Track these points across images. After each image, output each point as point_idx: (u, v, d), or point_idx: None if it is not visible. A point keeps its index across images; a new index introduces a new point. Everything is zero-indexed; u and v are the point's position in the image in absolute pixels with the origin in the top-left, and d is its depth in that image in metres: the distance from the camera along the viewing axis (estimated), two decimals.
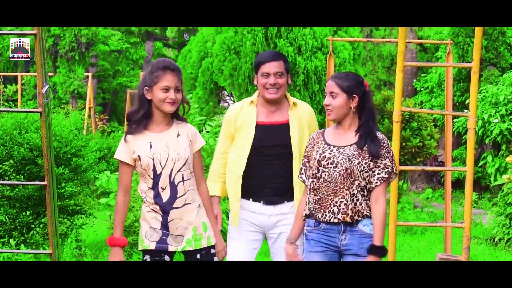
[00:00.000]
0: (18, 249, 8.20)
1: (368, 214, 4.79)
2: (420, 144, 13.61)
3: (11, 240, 8.26)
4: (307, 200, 4.91)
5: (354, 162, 4.75)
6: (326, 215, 4.78)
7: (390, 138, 13.55)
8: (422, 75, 19.05)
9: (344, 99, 4.84)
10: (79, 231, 9.27)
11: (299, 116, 5.36)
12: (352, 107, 4.87)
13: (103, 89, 29.62)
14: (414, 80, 19.55)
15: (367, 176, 4.76)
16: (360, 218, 4.78)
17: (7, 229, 8.53)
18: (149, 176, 4.75)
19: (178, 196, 4.75)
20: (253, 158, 5.28)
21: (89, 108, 19.87)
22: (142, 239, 4.80)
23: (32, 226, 8.64)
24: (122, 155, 4.79)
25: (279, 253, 5.35)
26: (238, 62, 10.73)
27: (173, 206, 4.75)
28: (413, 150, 13.56)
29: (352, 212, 4.75)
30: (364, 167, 4.75)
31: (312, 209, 4.85)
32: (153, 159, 4.73)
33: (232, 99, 12.92)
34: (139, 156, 4.74)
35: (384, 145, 4.84)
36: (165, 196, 4.74)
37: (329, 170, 4.78)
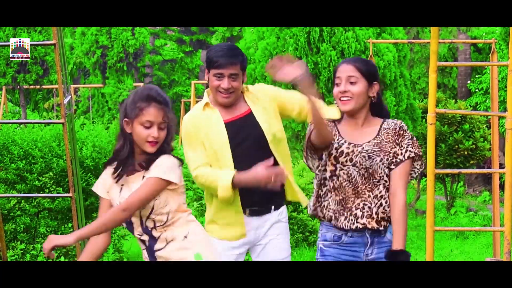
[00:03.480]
0: (59, 261, 8.18)
1: (389, 220, 4.20)
2: (473, 147, 13.35)
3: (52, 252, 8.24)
4: (324, 201, 4.26)
5: (376, 160, 4.16)
6: (350, 219, 4.16)
7: (440, 140, 13.34)
8: (477, 76, 18.68)
9: (364, 86, 4.18)
10: (122, 241, 9.22)
11: (256, 98, 4.74)
12: (372, 96, 4.23)
13: None
14: (468, 82, 19.19)
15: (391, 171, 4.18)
16: (388, 224, 4.20)
17: None
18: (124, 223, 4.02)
19: (156, 237, 4.00)
20: None
21: None
22: None
23: None
24: (99, 188, 4.07)
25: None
26: None
27: (155, 248, 4.00)
28: (465, 153, 13.30)
29: (378, 217, 4.15)
30: (386, 163, 4.18)
31: (334, 211, 4.21)
32: None
33: None
34: (111, 198, 4.05)
35: (404, 127, 4.29)
36: (145, 240, 4.02)
37: (348, 168, 4.16)
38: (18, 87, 15.75)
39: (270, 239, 4.76)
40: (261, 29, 11.37)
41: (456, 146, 13.29)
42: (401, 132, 4.26)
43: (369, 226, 4.17)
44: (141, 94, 3.90)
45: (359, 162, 4.16)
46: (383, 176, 4.18)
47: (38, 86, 16.14)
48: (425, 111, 12.09)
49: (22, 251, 8.24)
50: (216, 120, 4.69)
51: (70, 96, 5.19)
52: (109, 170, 4.02)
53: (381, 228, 4.19)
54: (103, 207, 4.03)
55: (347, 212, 4.18)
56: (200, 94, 27.27)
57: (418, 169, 4.32)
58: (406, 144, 4.23)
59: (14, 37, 15.03)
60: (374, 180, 4.17)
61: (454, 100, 14.78)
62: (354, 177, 4.17)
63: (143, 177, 3.92)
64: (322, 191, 4.28)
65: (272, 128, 4.70)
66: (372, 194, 4.17)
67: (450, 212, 13.69)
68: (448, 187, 14.37)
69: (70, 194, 5.32)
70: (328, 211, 4.25)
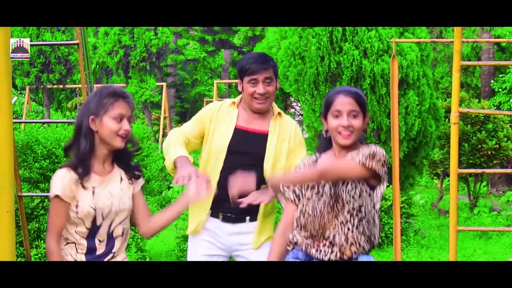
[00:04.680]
0: None
1: (365, 248, 4.04)
2: (496, 146, 13.28)
3: None
4: (296, 233, 4.13)
5: (340, 186, 3.99)
6: (321, 250, 4.03)
7: (463, 140, 13.28)
8: (500, 75, 18.57)
9: (362, 119, 4.08)
10: (145, 241, 9.25)
11: (281, 128, 4.72)
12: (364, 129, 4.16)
13: (182, 98, 29.90)
14: (492, 81, 19.08)
15: (358, 194, 3.99)
16: (358, 252, 4.02)
17: None
18: (86, 226, 3.85)
19: (113, 251, 3.94)
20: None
21: (164, 118, 20.09)
22: None
23: None
24: (64, 190, 3.79)
25: None
26: (303, 67, 10.59)
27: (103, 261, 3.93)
28: (489, 152, 13.24)
29: (347, 243, 3.98)
30: (353, 186, 3.99)
31: (305, 245, 4.08)
32: (95, 209, 3.83)
33: (299, 105, 12.77)
34: (77, 203, 3.83)
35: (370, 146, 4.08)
36: (100, 249, 3.91)
37: (314, 201, 4.05)
38: (42, 86, 15.82)
39: (251, 251, 4.69)
40: (283, 28, 11.36)
41: (479, 146, 13.24)
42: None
43: (342, 257, 4.03)
44: (106, 92, 3.85)
45: (325, 191, 4.04)
46: (349, 201, 3.98)
47: (61, 86, 16.19)
48: (448, 111, 12.03)
49: (45, 250, 8.29)
50: (230, 120, 4.70)
51: None
52: (68, 175, 3.80)
53: (351, 258, 4.04)
54: (62, 213, 3.82)
55: (317, 244, 4.05)
56: (222, 93, 27.31)
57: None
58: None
59: (38, 37, 15.14)
60: (338, 206, 4.00)
61: (477, 100, 14.71)
62: (319, 209, 4.02)
63: (121, 178, 3.95)
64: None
65: (275, 159, 4.66)
66: (338, 220, 4.00)
67: (473, 212, 13.63)
68: (471, 187, 14.31)
69: None
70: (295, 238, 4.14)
